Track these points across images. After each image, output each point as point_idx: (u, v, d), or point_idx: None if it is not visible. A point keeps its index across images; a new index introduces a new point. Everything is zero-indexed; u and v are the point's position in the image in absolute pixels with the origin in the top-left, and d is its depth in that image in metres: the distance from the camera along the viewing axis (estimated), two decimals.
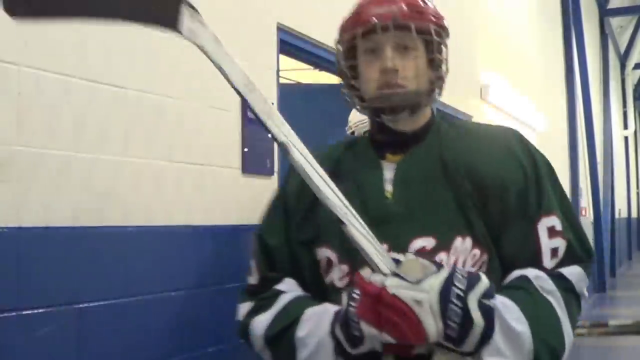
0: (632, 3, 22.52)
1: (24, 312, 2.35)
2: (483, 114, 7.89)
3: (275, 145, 3.83)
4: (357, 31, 2.05)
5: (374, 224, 1.76)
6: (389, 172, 1.95)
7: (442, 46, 2.02)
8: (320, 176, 1.74)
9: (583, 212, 13.34)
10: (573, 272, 1.95)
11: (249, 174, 3.60)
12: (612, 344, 10.71)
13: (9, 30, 2.35)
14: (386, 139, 2.02)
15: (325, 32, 4.49)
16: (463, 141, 1.96)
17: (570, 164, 12.96)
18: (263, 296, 2.07)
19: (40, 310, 2.41)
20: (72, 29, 2.59)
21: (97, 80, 2.69)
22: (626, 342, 10.65)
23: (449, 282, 1.59)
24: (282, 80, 4.21)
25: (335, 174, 1.90)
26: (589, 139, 15.13)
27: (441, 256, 1.78)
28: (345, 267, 1.90)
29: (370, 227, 1.73)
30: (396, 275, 1.61)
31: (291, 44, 4.14)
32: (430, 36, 1.98)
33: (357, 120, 4.19)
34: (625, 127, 23.68)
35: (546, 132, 11.00)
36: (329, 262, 1.94)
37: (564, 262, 1.94)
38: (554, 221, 1.92)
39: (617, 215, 20.15)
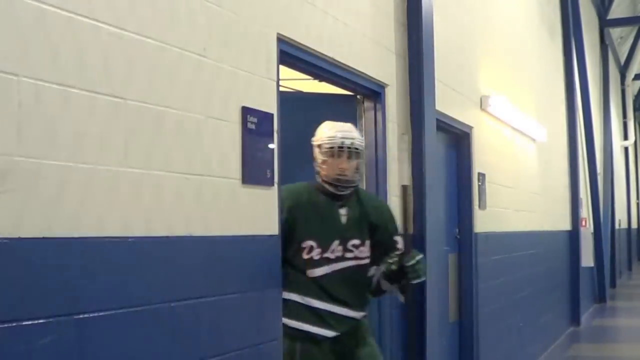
0: (632, 14, 22.58)
1: (24, 323, 2.35)
2: (483, 125, 7.89)
3: (276, 156, 3.85)
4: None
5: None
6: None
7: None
8: None
9: (583, 223, 13.32)
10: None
11: (249, 184, 3.60)
12: (610, 354, 10.70)
13: (8, 41, 2.36)
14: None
15: (325, 43, 4.52)
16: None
17: (570, 174, 12.95)
18: None
19: (41, 321, 2.41)
20: (72, 40, 2.60)
21: (96, 91, 2.69)
22: (624, 353, 10.63)
23: None
24: (282, 89, 4.21)
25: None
26: (589, 150, 15.13)
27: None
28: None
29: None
30: None
31: (291, 55, 4.15)
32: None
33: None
34: (625, 137, 23.66)
35: (546, 142, 11.01)
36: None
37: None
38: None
39: (617, 226, 20.15)
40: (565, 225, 12.67)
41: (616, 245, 19.74)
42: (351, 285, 3.97)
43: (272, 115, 3.82)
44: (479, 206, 7.59)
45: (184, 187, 3.15)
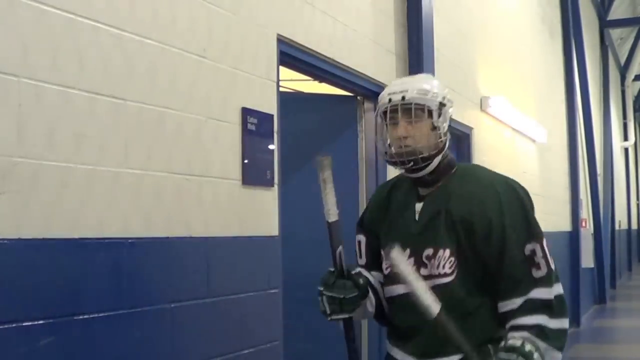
0: (632, 14, 22.57)
1: (24, 324, 2.36)
2: (483, 126, 7.89)
3: (276, 157, 3.85)
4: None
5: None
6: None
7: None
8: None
9: (583, 224, 13.32)
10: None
11: (249, 185, 3.60)
12: (610, 354, 10.70)
13: (9, 42, 2.36)
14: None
15: (325, 44, 4.52)
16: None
17: (570, 175, 12.93)
18: None
19: (41, 322, 2.41)
20: (72, 41, 2.60)
21: (96, 92, 2.69)
22: (624, 354, 10.63)
23: None
24: (282, 90, 4.22)
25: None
26: (589, 151, 15.12)
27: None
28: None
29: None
30: None
31: (291, 56, 4.15)
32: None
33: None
34: (625, 138, 23.65)
35: (546, 143, 11.00)
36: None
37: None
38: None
39: (617, 227, 20.14)
40: (565, 226, 12.66)
41: (616, 246, 19.73)
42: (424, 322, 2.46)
43: (272, 116, 3.82)
44: None
45: (184, 188, 3.15)
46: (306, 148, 5.16)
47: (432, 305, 2.37)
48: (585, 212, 14.45)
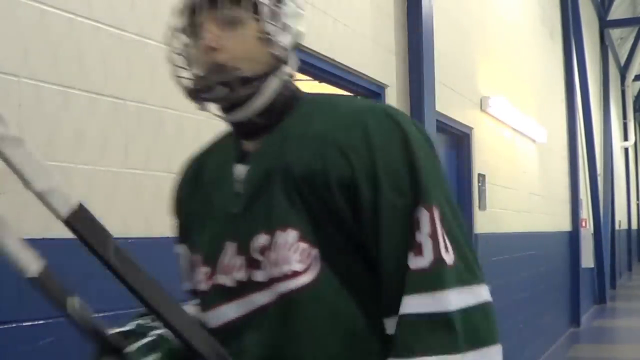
0: (632, 15, 22.59)
1: (24, 324, 2.36)
2: (483, 126, 7.89)
3: None
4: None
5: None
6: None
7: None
8: None
9: (583, 224, 13.33)
10: None
11: None
12: (610, 355, 10.70)
13: (9, 42, 2.36)
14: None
15: (325, 44, 4.51)
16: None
17: (570, 175, 12.94)
18: None
19: (41, 322, 2.41)
20: (72, 41, 2.60)
21: (97, 92, 2.69)
22: (624, 354, 10.63)
23: None
24: None
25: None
26: (589, 151, 15.12)
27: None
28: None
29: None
30: None
31: None
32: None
33: None
34: (626, 138, 23.66)
35: (546, 143, 11.01)
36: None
37: None
38: None
39: (617, 227, 20.14)
40: (565, 226, 12.66)
41: (616, 246, 19.73)
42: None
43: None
44: (479, 207, 7.59)
45: None
46: None
47: (30, 263, 1.57)
48: (585, 212, 14.45)
